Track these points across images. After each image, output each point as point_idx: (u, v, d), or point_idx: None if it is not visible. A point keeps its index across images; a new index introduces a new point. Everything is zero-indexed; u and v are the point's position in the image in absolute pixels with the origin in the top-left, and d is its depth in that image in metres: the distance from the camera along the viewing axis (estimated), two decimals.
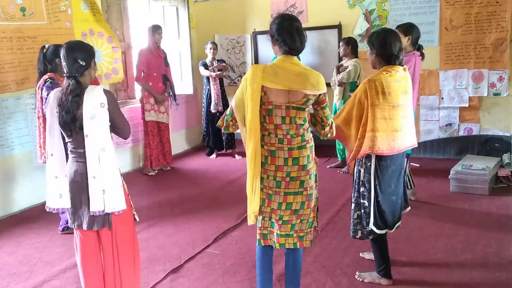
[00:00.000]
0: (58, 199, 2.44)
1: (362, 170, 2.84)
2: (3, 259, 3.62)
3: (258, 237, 2.58)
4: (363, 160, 2.82)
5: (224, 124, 2.54)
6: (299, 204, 2.46)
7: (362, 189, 2.86)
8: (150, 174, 5.85)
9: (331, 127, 2.54)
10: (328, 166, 5.77)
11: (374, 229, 2.84)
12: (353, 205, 2.95)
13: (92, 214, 2.40)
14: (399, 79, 2.74)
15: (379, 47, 2.76)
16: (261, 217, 2.53)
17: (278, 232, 2.51)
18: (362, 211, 2.87)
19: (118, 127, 2.48)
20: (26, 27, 4.58)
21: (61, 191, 2.43)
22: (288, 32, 2.34)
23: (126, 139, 2.63)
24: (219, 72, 6.24)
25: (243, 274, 3.19)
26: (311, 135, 2.50)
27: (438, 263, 3.23)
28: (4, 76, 4.42)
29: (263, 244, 2.57)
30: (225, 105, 6.37)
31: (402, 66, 2.80)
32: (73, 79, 2.37)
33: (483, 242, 3.51)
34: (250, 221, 2.51)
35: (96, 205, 2.38)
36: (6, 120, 4.52)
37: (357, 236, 2.95)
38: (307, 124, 2.47)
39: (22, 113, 4.65)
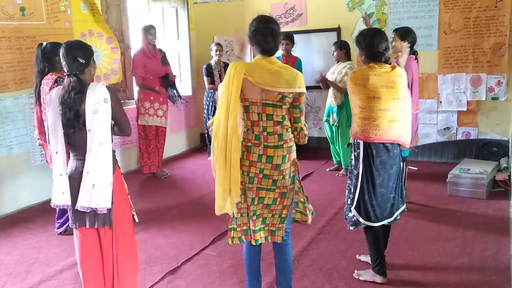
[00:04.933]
0: (61, 195, 2.47)
1: (353, 157, 2.95)
2: (0, 259, 3.61)
3: (239, 234, 2.60)
4: (354, 147, 2.94)
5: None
6: (271, 199, 2.53)
7: (351, 175, 2.97)
8: (162, 177, 5.77)
9: (298, 133, 2.54)
10: (327, 169, 5.78)
11: (356, 214, 2.92)
12: (346, 191, 3.05)
13: (77, 209, 2.42)
14: (380, 74, 2.80)
15: (365, 47, 2.85)
16: (239, 214, 2.57)
17: (253, 228, 2.57)
18: (350, 196, 2.96)
19: (120, 122, 2.51)
20: (25, 27, 4.57)
21: (64, 188, 2.46)
22: (262, 35, 2.42)
23: (128, 135, 2.65)
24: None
25: (240, 276, 3.18)
26: (291, 135, 2.53)
27: (435, 266, 3.24)
28: (2, 75, 4.42)
29: (244, 240, 2.61)
30: None
31: (389, 63, 2.87)
32: (74, 76, 2.42)
33: (480, 245, 3.52)
34: (218, 211, 2.47)
35: (83, 200, 2.40)
36: (4, 120, 4.51)
37: (349, 224, 3.01)
38: (286, 123, 2.50)
39: (20, 113, 4.64)
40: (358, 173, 2.90)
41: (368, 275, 3.06)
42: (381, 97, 2.81)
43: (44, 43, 3.75)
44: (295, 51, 6.07)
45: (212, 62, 6.34)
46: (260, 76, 2.38)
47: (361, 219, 2.93)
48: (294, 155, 2.55)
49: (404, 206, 3.13)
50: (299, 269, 3.25)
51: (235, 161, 2.39)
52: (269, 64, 2.44)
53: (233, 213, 2.54)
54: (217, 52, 6.25)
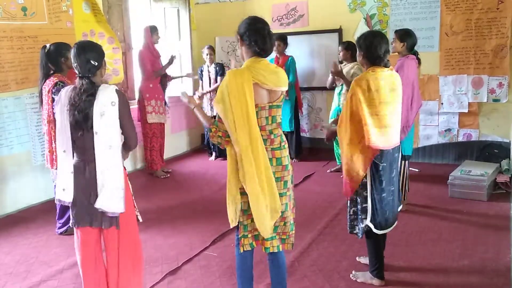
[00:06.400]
0: (62, 192, 2.49)
1: None
2: (0, 258, 3.61)
3: (250, 241, 2.52)
4: None
5: (212, 135, 2.44)
6: (284, 205, 2.46)
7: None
8: (162, 177, 5.80)
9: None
10: (328, 171, 5.77)
11: (371, 226, 2.89)
12: (348, 202, 3.01)
13: (100, 210, 2.42)
14: (385, 77, 2.82)
15: (365, 49, 2.85)
16: (249, 220, 2.48)
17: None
18: (359, 207, 2.91)
19: (125, 130, 2.45)
20: (27, 26, 4.58)
21: (66, 185, 2.48)
22: (260, 34, 2.39)
23: (132, 148, 2.55)
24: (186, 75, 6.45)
25: None
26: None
27: (435, 268, 3.23)
28: (4, 75, 4.43)
29: (255, 246, 2.55)
30: None
31: (388, 67, 2.88)
32: (86, 79, 2.41)
33: (481, 247, 3.52)
34: (232, 224, 2.49)
35: (101, 202, 2.41)
36: (6, 119, 4.52)
37: (354, 231, 3.00)
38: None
39: (21, 113, 4.64)
40: (365, 182, 2.86)
41: (366, 277, 3.05)
42: (390, 101, 2.82)
43: (48, 45, 3.72)
44: (295, 52, 6.12)
45: (205, 65, 6.37)
46: (265, 77, 2.34)
47: (376, 230, 2.90)
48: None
49: (400, 205, 3.18)
50: (299, 270, 3.25)
51: (270, 173, 2.35)
52: (268, 64, 2.42)
53: (241, 221, 2.47)
54: (208, 56, 6.24)
